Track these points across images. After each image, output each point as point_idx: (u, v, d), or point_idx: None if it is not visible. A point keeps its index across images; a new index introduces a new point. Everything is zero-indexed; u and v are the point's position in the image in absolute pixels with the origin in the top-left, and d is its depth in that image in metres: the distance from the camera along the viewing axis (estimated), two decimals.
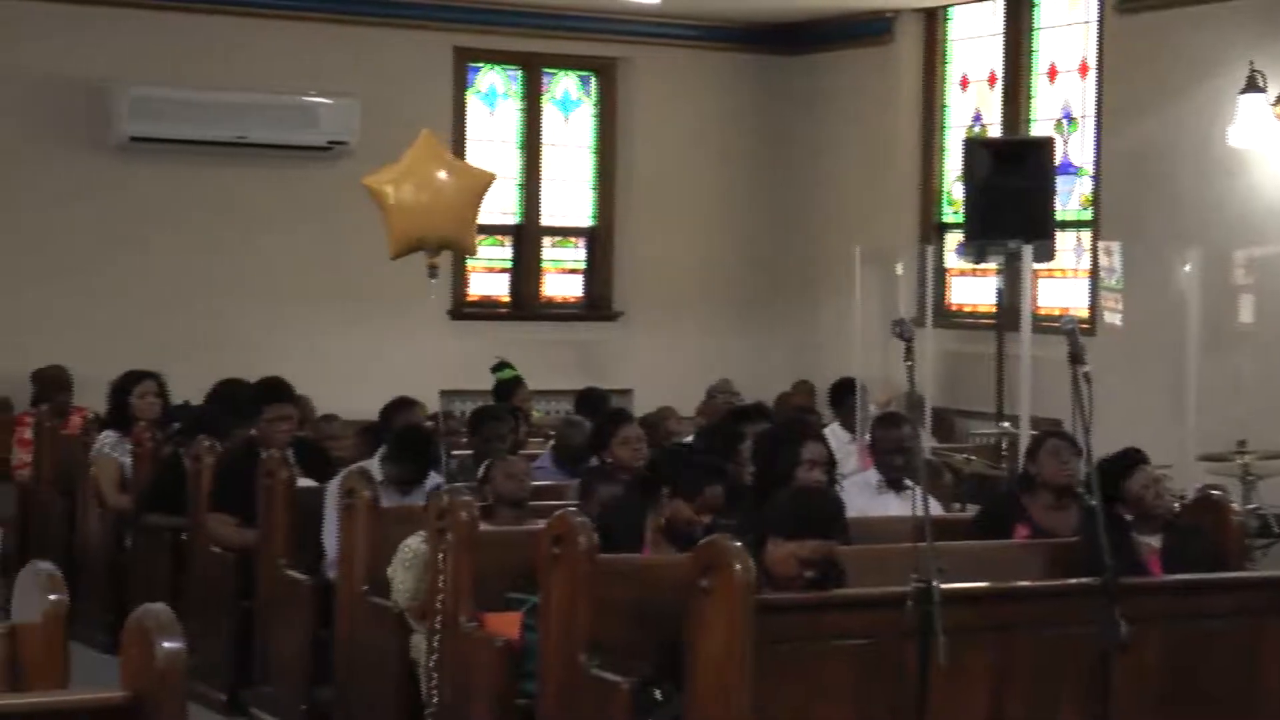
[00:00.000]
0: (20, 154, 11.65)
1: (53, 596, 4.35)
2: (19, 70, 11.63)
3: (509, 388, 10.97)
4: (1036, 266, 10.79)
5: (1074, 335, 5.20)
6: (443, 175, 9.53)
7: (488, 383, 11.24)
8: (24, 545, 10.27)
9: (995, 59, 12.61)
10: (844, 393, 10.29)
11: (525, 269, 13.50)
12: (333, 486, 7.62)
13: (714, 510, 6.21)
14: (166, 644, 3.74)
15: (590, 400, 10.52)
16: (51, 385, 11.15)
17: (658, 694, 5.40)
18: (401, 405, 9.16)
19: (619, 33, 13.39)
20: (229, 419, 8.94)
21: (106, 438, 9.61)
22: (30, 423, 10.84)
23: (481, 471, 7.36)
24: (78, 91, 11.75)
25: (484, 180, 9.57)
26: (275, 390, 8.66)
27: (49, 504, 10.29)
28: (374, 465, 7.77)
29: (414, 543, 6.63)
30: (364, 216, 11.00)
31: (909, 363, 5.29)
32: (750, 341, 13.48)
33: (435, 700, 6.43)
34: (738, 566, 5.08)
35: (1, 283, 11.58)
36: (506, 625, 6.12)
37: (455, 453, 8.98)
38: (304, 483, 7.99)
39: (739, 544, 5.20)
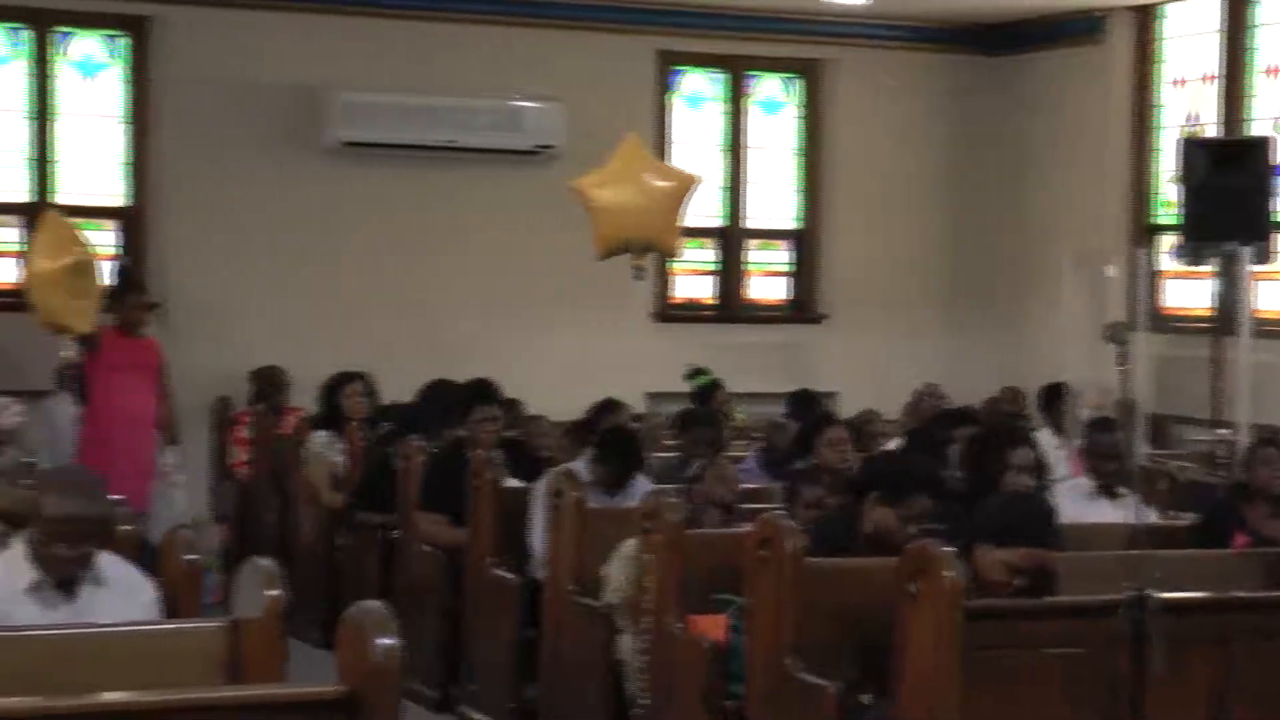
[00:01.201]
0: (236, 158, 11.90)
1: (272, 592, 4.45)
2: (235, 76, 11.89)
3: (708, 392, 10.98)
4: (1254, 269, 10.54)
5: None
6: (648, 178, 9.59)
7: (690, 386, 11.27)
8: (241, 542, 10.51)
9: (1211, 57, 12.35)
10: (1054, 397, 10.16)
11: (730, 271, 13.50)
12: (540, 487, 7.69)
13: (919, 521, 6.14)
14: (382, 640, 3.80)
15: (801, 402, 10.49)
16: (268, 385, 11.38)
17: (865, 699, 5.37)
18: (608, 407, 9.24)
19: (824, 34, 13.32)
20: (438, 419, 9.06)
21: (319, 437, 9.79)
22: (248, 422, 11.08)
23: (691, 473, 7.37)
24: (291, 97, 11.98)
25: (688, 182, 9.61)
26: (482, 392, 8.77)
27: (265, 502, 10.51)
28: (581, 466, 7.83)
29: (632, 543, 6.65)
30: (570, 220, 11.10)
31: (1123, 367, 5.21)
32: (956, 345, 13.35)
33: (641, 700, 6.45)
34: (947, 572, 5.03)
35: (221, 284, 11.83)
36: (713, 627, 6.12)
37: (658, 455, 9.03)
38: (512, 483, 8.06)
39: (949, 549, 5.15)
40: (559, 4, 12.53)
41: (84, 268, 9.05)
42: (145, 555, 5.36)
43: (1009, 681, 5.22)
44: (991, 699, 5.16)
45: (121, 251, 11.85)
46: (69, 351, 9.11)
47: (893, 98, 13.52)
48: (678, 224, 9.61)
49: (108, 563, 4.98)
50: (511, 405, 9.54)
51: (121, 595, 4.95)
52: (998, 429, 8.02)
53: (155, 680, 4.34)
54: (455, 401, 8.94)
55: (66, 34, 11.86)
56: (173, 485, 9.85)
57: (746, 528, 6.09)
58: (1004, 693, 5.20)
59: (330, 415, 9.93)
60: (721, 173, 13.41)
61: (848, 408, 11.35)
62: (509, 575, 7.66)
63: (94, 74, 11.94)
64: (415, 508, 8.40)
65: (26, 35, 11.75)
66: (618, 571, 6.75)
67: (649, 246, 9.56)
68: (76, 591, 4.88)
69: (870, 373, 12.81)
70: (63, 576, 4.86)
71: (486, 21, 12.41)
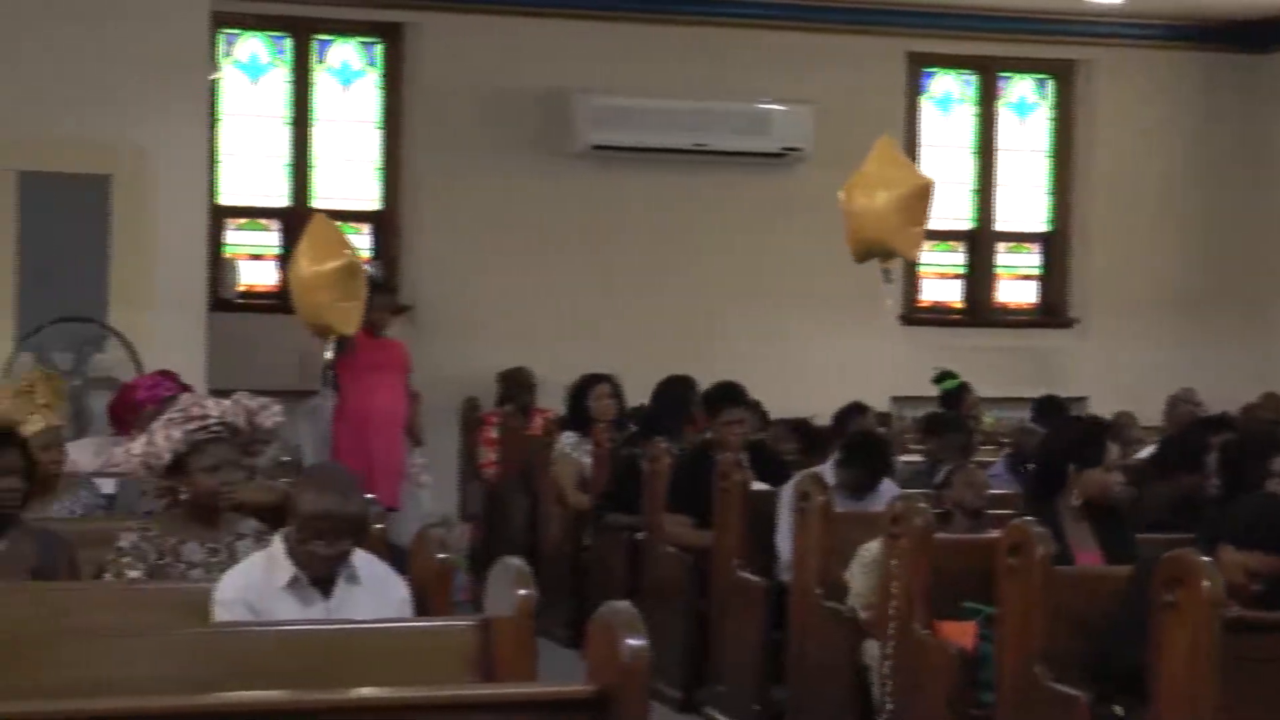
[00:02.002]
0: (486, 162, 12.06)
1: (522, 591, 4.49)
2: (485, 81, 12.05)
3: (956, 396, 10.86)
4: None
5: None
6: (891, 180, 9.51)
7: (938, 389, 11.16)
8: (490, 542, 10.65)
9: None
10: None
11: (979, 275, 13.33)
12: (787, 490, 7.67)
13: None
14: (631, 641, 3.82)
15: (1049, 407, 10.33)
16: (516, 386, 11.51)
17: (1119, 710, 5.27)
18: (854, 411, 9.19)
19: (1079, 34, 13.09)
20: (676, 417, 9.12)
21: (567, 438, 9.89)
22: (496, 423, 11.23)
23: (940, 478, 7.30)
24: (541, 101, 12.11)
25: (922, 184, 9.49)
26: (729, 394, 8.77)
27: (513, 502, 10.63)
28: (827, 470, 7.80)
29: (873, 547, 6.62)
30: (817, 222, 11.07)
31: None
32: (1212, 350, 13.02)
33: (887, 706, 6.40)
34: (1205, 581, 4.91)
35: (470, 286, 12.01)
36: (961, 633, 6.06)
37: (905, 459, 8.96)
38: (758, 486, 8.06)
39: (1204, 558, 5.03)
40: (808, 6, 12.48)
41: (353, 270, 9.24)
42: (393, 554, 5.45)
43: (1271, 695, 5.08)
44: (1252, 713, 5.02)
45: (373, 254, 12.09)
46: (331, 352, 9.31)
47: (1145, 98, 13.24)
48: (917, 227, 9.49)
49: (362, 560, 5.07)
50: (757, 408, 9.52)
51: (375, 593, 5.04)
52: (1257, 436, 7.81)
53: (407, 677, 4.41)
54: (685, 398, 8.99)
55: (325, 42, 12.15)
56: (419, 486, 10.01)
57: (994, 534, 6.01)
58: (1265, 706, 5.06)
59: (578, 417, 10.02)
60: (971, 175, 13.26)
61: (1099, 413, 11.11)
62: (755, 578, 7.65)
63: (351, 81, 12.21)
64: (662, 509, 8.43)
65: (287, 43, 12.06)
66: (859, 576, 6.71)
67: (889, 250, 9.48)
68: (333, 588, 4.98)
69: (1122, 378, 12.56)
70: (320, 573, 4.96)
71: (735, 24, 12.42)
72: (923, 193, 9.34)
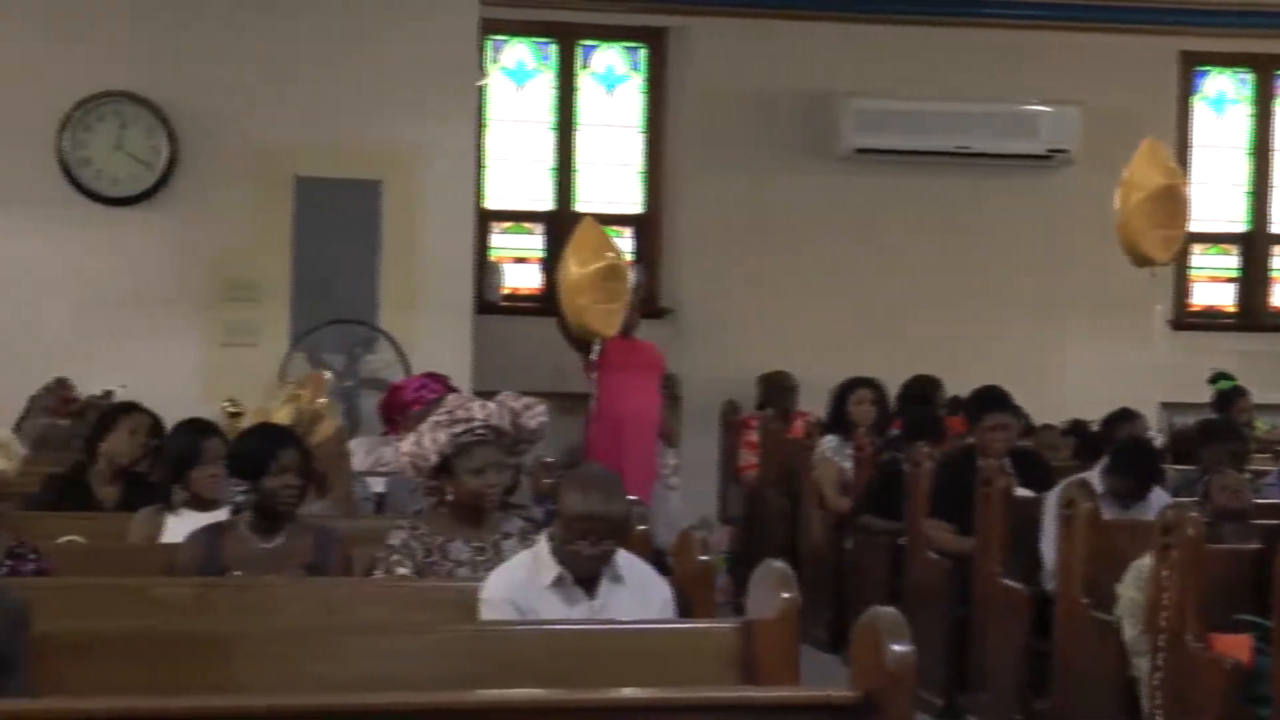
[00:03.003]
0: (748, 165, 12.07)
1: (785, 594, 4.48)
2: (748, 84, 12.07)
3: (1229, 398, 10.57)
4: None
5: None
6: (1149, 183, 9.29)
7: (1208, 395, 10.87)
8: (749, 544, 10.66)
9: None
10: None
11: (1253, 278, 12.98)
12: (1052, 497, 7.55)
13: None
14: (896, 646, 3.79)
15: None
16: (776, 389, 11.51)
17: None
18: (1123, 417, 9.02)
19: None
20: (928, 418, 9.06)
21: (829, 442, 9.85)
22: (755, 425, 11.24)
23: (1201, 487, 7.13)
24: (804, 105, 12.09)
25: (1174, 187, 9.25)
26: (993, 399, 8.66)
27: (773, 505, 10.63)
28: (1094, 477, 7.65)
29: (1148, 562, 6.46)
30: (1084, 225, 10.88)
31: None
32: None
33: (1157, 718, 6.26)
34: None
35: (730, 289, 12.03)
36: (1236, 646, 5.89)
37: (1176, 467, 8.76)
38: (1022, 492, 7.94)
39: None
40: (1076, 5, 12.27)
41: (616, 272, 9.31)
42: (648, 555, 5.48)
43: None
44: None
45: (634, 258, 12.18)
46: (595, 355, 9.40)
47: None
48: (1171, 230, 9.26)
49: (625, 561, 5.10)
50: (1021, 413, 9.39)
51: (638, 593, 5.06)
52: None
53: (669, 678, 4.43)
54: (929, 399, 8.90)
55: (590, 47, 12.28)
56: (671, 487, 10.05)
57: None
58: None
59: (838, 421, 9.98)
60: (1246, 177, 12.91)
61: None
62: (1018, 585, 7.54)
63: (614, 86, 12.33)
64: (923, 514, 8.36)
65: (552, 49, 12.22)
66: (1129, 586, 6.57)
67: (1142, 254, 9.27)
68: (597, 588, 5.02)
69: None
70: (584, 573, 5.00)
71: (999, 25, 12.26)
72: (1173, 194, 9.11)
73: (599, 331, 9.27)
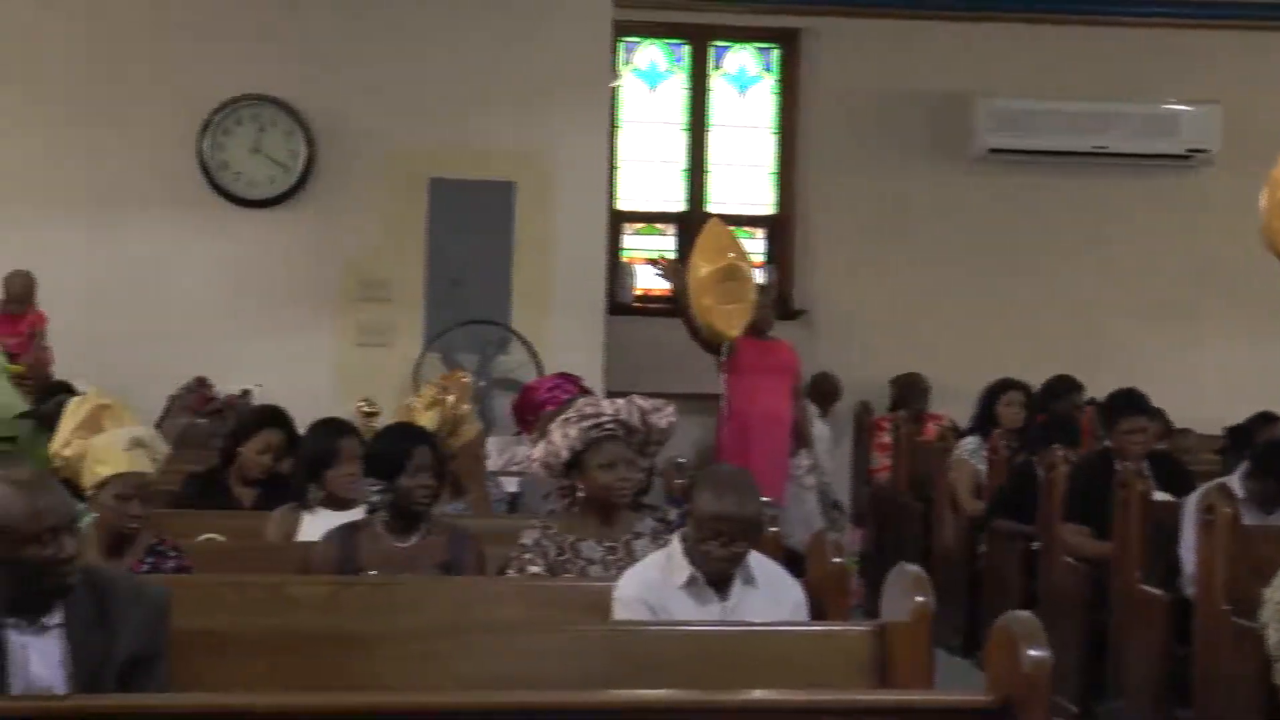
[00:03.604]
0: (881, 166, 12.02)
1: (919, 598, 4.45)
2: (881, 85, 12.01)
3: None
4: None
5: None
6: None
7: None
8: (881, 547, 10.61)
9: None
10: None
11: None
12: (1191, 501, 7.43)
13: None
14: (1033, 652, 3.76)
15: None
16: (909, 391, 11.45)
17: None
18: (1264, 420, 8.87)
19: None
20: (1063, 421, 8.96)
21: (968, 443, 9.76)
22: (888, 427, 11.18)
23: None
24: (938, 105, 12.01)
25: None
26: (1131, 402, 8.54)
27: (905, 507, 10.56)
28: (1235, 481, 7.53)
29: None
30: (1224, 225, 10.71)
31: None
32: None
33: None
34: None
35: (863, 290, 11.98)
36: None
37: None
38: (1160, 496, 7.83)
39: None
40: (1216, 2, 12.10)
41: (735, 273, 9.30)
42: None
43: None
44: None
45: (766, 259, 12.16)
46: (725, 356, 9.39)
47: None
48: None
49: (758, 562, 5.09)
50: (1160, 416, 9.27)
51: (770, 595, 5.05)
52: None
53: (802, 680, 4.41)
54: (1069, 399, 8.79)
55: (722, 48, 12.28)
56: (804, 488, 10.01)
57: None
58: None
59: (987, 421, 9.88)
60: None
61: None
62: (1157, 591, 7.44)
63: (747, 87, 12.31)
64: (1059, 518, 8.27)
65: (685, 51, 12.23)
66: (1277, 590, 6.44)
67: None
68: (729, 589, 5.01)
69: None
70: (716, 574, 5.00)
71: (1137, 24, 12.11)
72: None
73: (722, 332, 9.26)
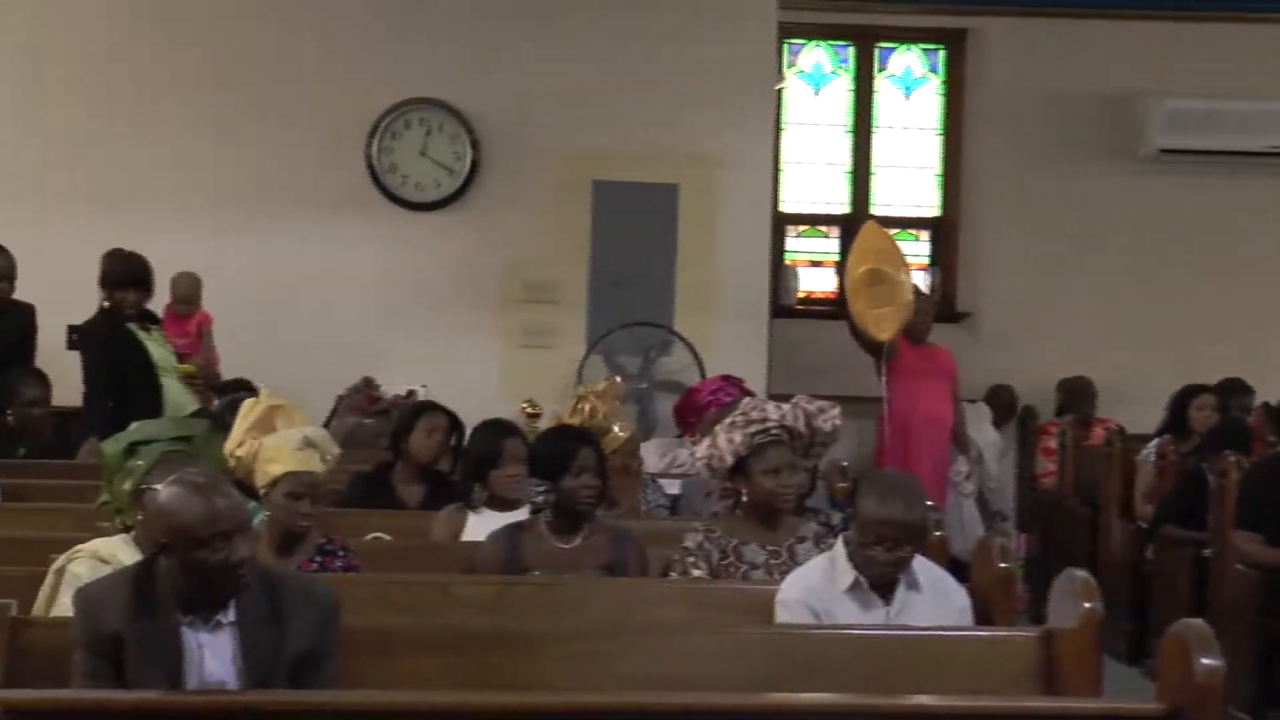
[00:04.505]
0: (1050, 168, 11.87)
1: (1087, 604, 4.40)
2: (1050, 85, 11.86)
3: None
4: None
5: None
6: None
7: None
8: (1047, 552, 10.48)
9: None
10: None
11: None
12: None
13: None
14: (1206, 660, 3.70)
15: None
16: (1076, 395, 11.30)
17: None
18: None
19: None
20: (1235, 426, 8.81)
21: (1154, 446, 9.58)
22: (1054, 432, 11.05)
23: None
24: (1108, 105, 11.84)
25: None
26: None
27: (1072, 513, 10.43)
28: None
29: None
30: None
31: None
32: None
33: None
34: None
35: (1030, 294, 11.85)
36: None
37: None
38: None
39: None
40: None
41: (879, 277, 9.24)
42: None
43: None
44: None
45: (930, 261, 12.07)
46: (886, 359, 9.33)
47: None
48: None
49: (922, 567, 5.05)
50: None
51: (935, 599, 5.01)
52: None
53: (967, 686, 4.38)
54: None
55: (888, 50, 12.21)
56: (962, 495, 9.92)
57: None
58: None
59: (1178, 425, 9.70)
60: None
61: None
62: None
63: (912, 88, 12.24)
64: (1230, 525, 8.12)
65: (850, 52, 12.18)
66: None
67: None
68: (893, 594, 4.98)
69: None
70: (880, 578, 4.97)
71: None
72: None
73: (873, 335, 9.22)
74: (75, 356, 8.48)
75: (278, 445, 5.31)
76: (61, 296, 8.71)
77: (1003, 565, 5.13)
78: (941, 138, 12.23)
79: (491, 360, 10.36)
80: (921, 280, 11.00)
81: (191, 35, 10.36)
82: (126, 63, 10.31)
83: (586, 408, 6.84)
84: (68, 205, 10.13)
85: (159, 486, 4.34)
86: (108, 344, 8.37)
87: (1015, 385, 11.60)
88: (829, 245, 12.18)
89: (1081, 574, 4.53)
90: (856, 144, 12.19)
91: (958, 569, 5.38)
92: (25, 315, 8.60)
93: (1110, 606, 8.51)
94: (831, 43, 12.21)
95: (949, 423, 9.70)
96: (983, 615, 5.05)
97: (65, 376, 8.45)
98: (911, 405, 9.46)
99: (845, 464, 7.73)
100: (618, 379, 8.00)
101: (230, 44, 10.36)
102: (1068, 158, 11.91)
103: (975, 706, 3.98)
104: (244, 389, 7.42)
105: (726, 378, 8.10)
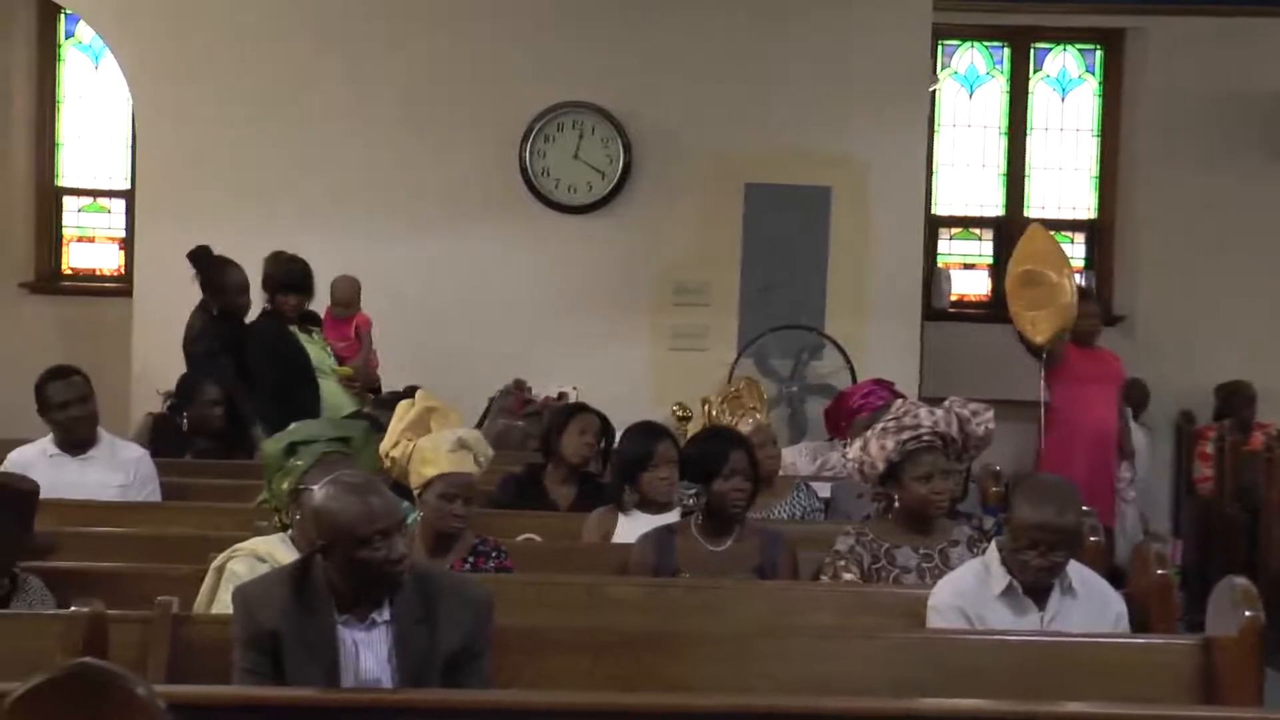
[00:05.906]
0: (1210, 169, 11.61)
1: (1248, 612, 4.33)
2: (1210, 85, 11.63)
3: None
4: None
5: None
6: None
7: None
8: (1204, 560, 10.32)
9: None
10: None
11: None
12: None
13: None
14: None
15: None
16: (1236, 399, 11.13)
17: None
18: None
19: None
20: None
21: None
22: (1211, 437, 10.88)
23: None
24: (1269, 106, 11.61)
25: None
26: None
27: (1230, 519, 10.26)
28: None
29: None
30: None
31: None
32: None
33: None
34: None
35: (1189, 297, 11.65)
36: None
37: None
38: None
39: None
40: None
41: (1034, 279, 9.14)
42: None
43: None
44: None
45: (1086, 264, 11.93)
46: (1049, 363, 9.23)
47: None
48: None
49: (1077, 572, 5.00)
50: None
51: (1090, 605, 4.96)
52: None
53: (1122, 693, 4.33)
54: None
55: (1044, 50, 12.09)
56: (1125, 501, 9.79)
57: None
58: None
59: None
60: None
61: None
62: None
63: (1068, 89, 12.09)
64: None
65: (1005, 53, 12.07)
66: None
67: None
68: (1048, 599, 4.93)
69: None
70: (1033, 583, 4.92)
71: None
72: None
73: (1029, 337, 9.13)
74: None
75: (432, 447, 5.36)
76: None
77: (1160, 572, 5.06)
78: (1097, 139, 12.08)
79: (642, 363, 10.38)
80: (1079, 284, 10.84)
81: (342, 37, 10.47)
82: (279, 65, 10.46)
83: (713, 414, 6.84)
84: (233, 208, 10.28)
85: (315, 487, 4.40)
86: (273, 346, 8.53)
87: (1172, 389, 11.42)
88: (982, 248, 12.08)
89: (1242, 581, 4.47)
90: (1011, 146, 12.06)
91: (1119, 577, 5.32)
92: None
93: (1270, 615, 8.41)
94: (987, 44, 12.10)
95: (1115, 429, 9.57)
96: (1139, 622, 4.98)
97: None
98: (1078, 411, 9.31)
99: (998, 468, 7.66)
100: (743, 385, 8.02)
101: (393, 48, 10.46)
102: (1226, 158, 11.69)
103: (1131, 714, 3.94)
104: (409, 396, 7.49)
105: (878, 381, 8.06)
